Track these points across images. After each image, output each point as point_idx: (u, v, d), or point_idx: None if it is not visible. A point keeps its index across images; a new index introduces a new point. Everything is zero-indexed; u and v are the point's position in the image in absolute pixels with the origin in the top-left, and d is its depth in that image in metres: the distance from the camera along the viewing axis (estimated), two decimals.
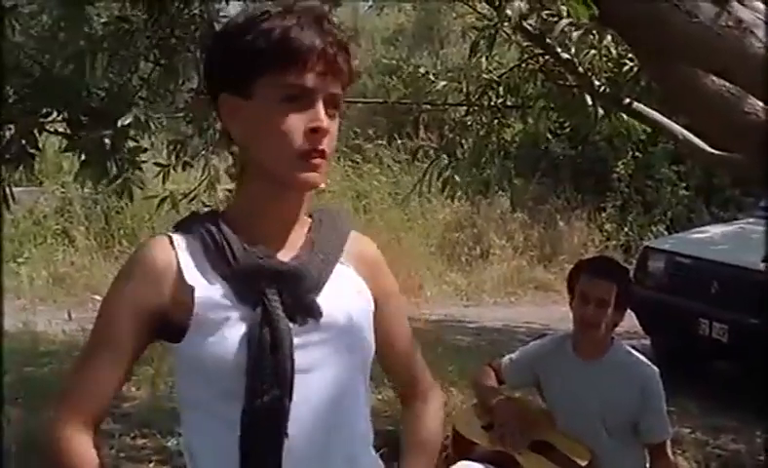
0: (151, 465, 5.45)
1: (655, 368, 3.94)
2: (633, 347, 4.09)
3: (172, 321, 1.80)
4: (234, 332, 1.76)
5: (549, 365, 4.02)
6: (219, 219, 1.86)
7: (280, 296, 1.79)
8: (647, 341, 8.15)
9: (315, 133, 1.77)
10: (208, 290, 1.79)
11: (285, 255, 1.85)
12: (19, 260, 11.61)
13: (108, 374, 1.83)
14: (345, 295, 1.90)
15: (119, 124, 4.37)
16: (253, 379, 1.75)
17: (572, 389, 3.91)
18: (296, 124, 1.77)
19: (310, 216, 1.96)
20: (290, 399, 1.77)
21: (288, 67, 1.76)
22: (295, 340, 1.79)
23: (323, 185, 1.84)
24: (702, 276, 7.58)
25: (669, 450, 3.97)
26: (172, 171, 5.18)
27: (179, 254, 1.82)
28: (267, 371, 1.75)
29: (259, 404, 1.75)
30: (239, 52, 1.79)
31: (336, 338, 1.85)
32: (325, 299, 1.84)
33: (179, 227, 1.89)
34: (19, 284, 10.88)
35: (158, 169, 5.17)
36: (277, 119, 1.77)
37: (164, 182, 5.16)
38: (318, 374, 1.82)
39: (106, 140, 4.39)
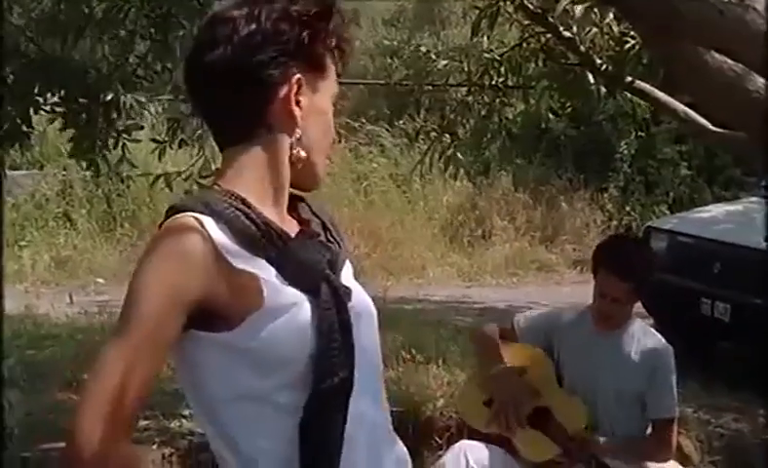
0: (154, 447, 5.45)
1: (669, 345, 3.97)
2: None
3: (216, 310, 1.70)
4: (302, 319, 1.72)
5: (566, 334, 4.04)
6: (243, 199, 1.77)
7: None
8: (650, 321, 8.14)
9: (333, 142, 1.90)
10: (269, 276, 1.72)
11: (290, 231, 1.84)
12: (21, 244, 11.61)
13: (148, 372, 1.67)
14: (348, 272, 1.90)
15: (101, 100, 4.38)
16: (323, 364, 1.71)
17: (588, 359, 3.95)
18: (332, 126, 1.88)
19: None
20: (353, 383, 1.75)
21: (341, 69, 1.85)
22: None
23: None
24: (704, 256, 7.57)
25: (673, 429, 3.98)
26: (172, 152, 5.17)
27: (215, 238, 1.71)
28: (336, 354, 1.72)
29: (328, 386, 1.71)
30: (322, 33, 1.80)
31: (365, 315, 1.86)
32: (345, 278, 1.85)
33: (201, 209, 1.75)
34: (20, 267, 10.88)
35: (154, 146, 5.15)
36: (330, 118, 1.86)
37: (160, 159, 5.15)
38: (360, 351, 1.79)
39: (84, 116, 4.38)
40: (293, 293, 1.72)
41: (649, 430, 3.97)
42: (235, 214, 1.74)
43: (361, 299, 1.86)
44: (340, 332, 1.73)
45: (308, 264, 1.76)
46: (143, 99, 4.65)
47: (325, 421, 1.73)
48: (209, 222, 1.72)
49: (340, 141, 14.25)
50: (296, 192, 1.92)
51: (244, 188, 1.79)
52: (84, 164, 5.05)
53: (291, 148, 1.80)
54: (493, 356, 4.06)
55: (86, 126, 4.39)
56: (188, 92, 1.94)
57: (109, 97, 4.32)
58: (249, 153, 1.81)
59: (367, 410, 1.81)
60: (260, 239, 1.74)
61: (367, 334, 1.85)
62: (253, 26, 1.77)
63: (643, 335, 3.99)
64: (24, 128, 4.40)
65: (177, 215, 1.75)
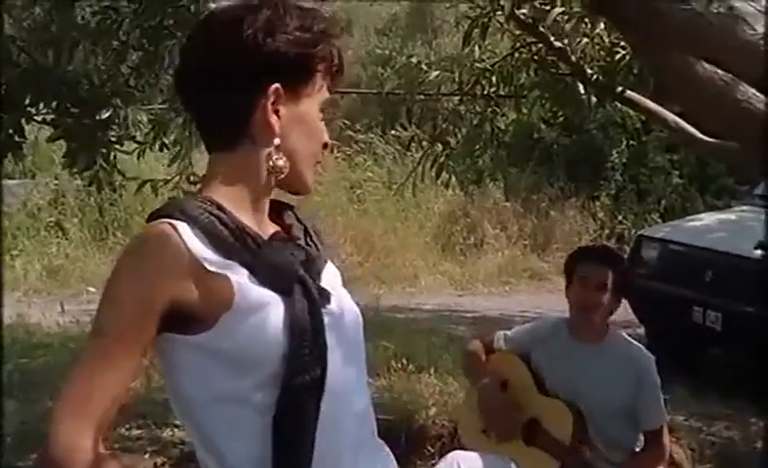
0: (146, 456, 5.46)
1: (651, 355, 3.96)
2: (628, 336, 4.11)
3: (190, 313, 1.73)
4: (274, 320, 1.74)
5: (544, 347, 4.02)
6: (219, 205, 1.80)
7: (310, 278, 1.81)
8: (641, 330, 8.16)
9: (326, 146, 1.90)
10: (241, 278, 1.74)
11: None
12: (14, 253, 11.59)
13: (122, 374, 1.71)
14: (334, 279, 1.92)
15: (97, 118, 4.38)
16: (294, 363, 1.73)
17: (567, 373, 3.92)
18: (322, 136, 1.89)
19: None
20: (325, 382, 1.77)
21: (332, 82, 1.86)
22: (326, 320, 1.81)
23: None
24: (696, 264, 7.59)
25: (665, 437, 3.99)
26: (164, 160, 5.18)
27: (189, 243, 1.74)
28: (307, 353, 1.74)
29: (298, 383, 1.73)
30: (306, 47, 1.82)
31: (345, 319, 1.88)
32: (325, 283, 1.86)
33: (177, 215, 1.77)
34: (13, 276, 10.87)
35: (135, 146, 5.15)
36: (316, 127, 1.87)
37: (138, 160, 5.16)
38: (338, 353, 1.82)
39: (78, 129, 4.39)
40: (265, 294, 1.75)
41: (642, 440, 3.96)
42: (210, 220, 1.77)
43: (343, 304, 1.89)
44: (311, 333, 1.76)
45: (280, 266, 1.78)
46: (143, 116, 4.66)
47: (295, 420, 1.74)
48: (183, 228, 1.75)
49: (333, 150, 14.28)
50: (284, 200, 1.95)
51: (223, 194, 1.83)
52: (76, 174, 5.05)
53: (269, 157, 1.83)
54: (478, 372, 4.10)
55: (80, 138, 4.39)
56: (178, 93, 1.98)
57: (107, 114, 4.32)
58: (230, 161, 1.85)
59: (344, 416, 1.82)
60: (234, 243, 1.76)
61: (347, 339, 1.86)
62: (236, 35, 1.79)
63: (624, 347, 3.96)
64: (17, 138, 4.41)
65: (154, 222, 1.78)
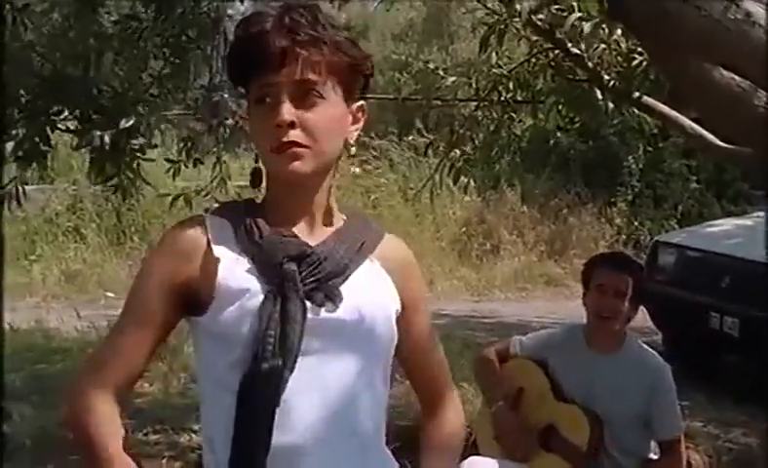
0: (164, 461, 5.47)
1: (666, 364, 3.95)
2: (645, 343, 4.10)
3: (199, 294, 1.87)
4: (251, 303, 1.82)
5: (560, 353, 4.02)
6: (251, 205, 1.96)
7: (300, 274, 1.84)
8: (658, 336, 8.14)
9: (279, 127, 1.85)
10: (232, 263, 1.86)
11: (311, 240, 1.91)
12: (32, 258, 11.66)
13: (135, 346, 1.90)
14: (370, 289, 1.94)
15: (120, 126, 4.40)
16: (258, 348, 1.80)
17: (583, 380, 3.92)
18: (265, 122, 1.87)
19: (347, 215, 2.02)
20: (291, 370, 1.81)
21: (257, 70, 1.86)
22: (312, 319, 1.83)
23: (305, 172, 1.88)
24: (712, 270, 7.57)
25: (681, 447, 3.98)
26: (183, 168, 5.19)
27: (210, 233, 1.90)
28: (271, 341, 1.80)
29: (258, 369, 1.80)
30: (234, 58, 1.93)
31: (356, 327, 1.88)
32: (348, 288, 1.89)
33: (215, 211, 1.98)
34: (31, 281, 10.93)
35: (168, 165, 5.19)
36: (254, 120, 1.91)
37: (174, 179, 5.18)
38: (330, 358, 1.86)
39: (106, 140, 4.41)
40: (250, 280, 1.84)
41: (657, 450, 3.95)
42: (233, 214, 1.94)
43: (358, 313, 1.89)
44: (279, 322, 1.81)
45: (270, 256, 1.85)
46: (172, 131, 4.68)
47: (254, 403, 1.81)
48: (212, 220, 1.93)
49: (349, 156, 14.28)
50: (351, 209, 2.08)
51: (265, 199, 1.97)
52: (99, 183, 5.07)
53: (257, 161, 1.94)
54: (492, 388, 4.13)
55: (104, 147, 4.42)
56: None
57: (131, 123, 4.34)
58: None
59: (316, 420, 1.84)
60: (243, 235, 1.88)
61: (347, 346, 1.88)
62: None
63: (640, 355, 3.96)
64: (42, 147, 4.44)
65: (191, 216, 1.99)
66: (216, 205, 2.01)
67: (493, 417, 4.08)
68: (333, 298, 1.86)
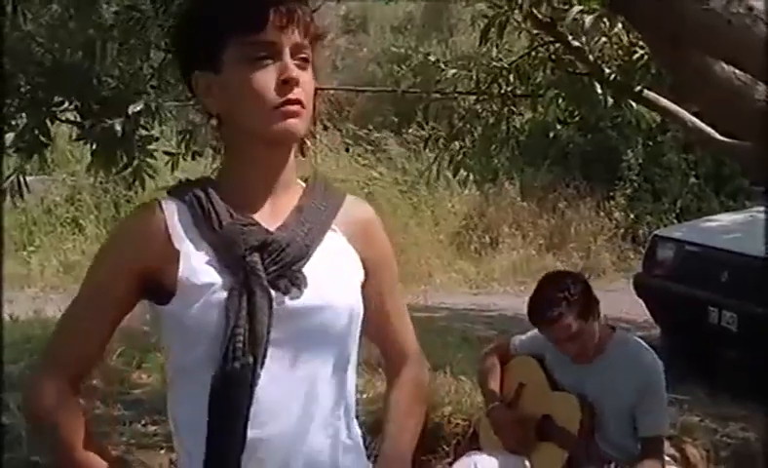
0: (162, 452, 5.47)
1: (659, 361, 3.92)
2: (643, 337, 4.09)
3: (160, 283, 1.84)
4: (215, 298, 1.80)
5: (553, 352, 4.05)
6: (209, 186, 1.90)
7: (263, 264, 1.82)
8: (656, 331, 8.15)
9: (286, 83, 1.83)
10: (193, 255, 1.83)
11: (272, 222, 1.88)
12: (30, 249, 11.65)
13: (93, 334, 1.91)
14: (334, 265, 1.92)
15: (129, 112, 4.38)
16: (228, 344, 1.79)
17: (573, 378, 3.96)
18: (267, 79, 1.83)
19: (306, 181, 1.99)
20: (262, 365, 1.80)
21: (249, 28, 1.82)
22: (277, 308, 1.82)
23: (301, 132, 1.87)
24: (711, 265, 7.57)
25: (662, 449, 3.95)
26: (182, 160, 5.18)
27: (168, 219, 1.87)
28: (240, 339, 1.79)
29: (230, 368, 1.78)
30: (204, 27, 1.86)
31: (322, 309, 1.87)
32: (312, 269, 1.87)
33: (171, 193, 1.94)
34: (29, 272, 10.92)
35: (167, 158, 5.17)
36: (248, 80, 1.83)
37: (173, 171, 5.17)
38: (297, 344, 1.85)
39: (117, 128, 4.40)
40: (211, 274, 1.82)
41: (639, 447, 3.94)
42: (190, 198, 1.89)
43: (324, 294, 1.88)
44: (247, 319, 1.80)
45: (232, 248, 1.82)
46: (170, 104, 4.66)
47: (226, 402, 1.80)
48: (169, 205, 1.90)
49: (347, 150, 14.27)
50: (312, 177, 2.01)
51: (221, 177, 1.95)
52: (102, 174, 5.06)
53: (232, 132, 1.90)
54: (491, 393, 4.18)
55: (106, 139, 4.41)
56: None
57: (139, 108, 4.33)
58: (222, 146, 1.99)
59: (291, 407, 1.84)
60: (203, 222, 1.85)
61: (316, 330, 1.87)
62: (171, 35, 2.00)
63: (631, 351, 3.94)
64: (42, 138, 4.43)
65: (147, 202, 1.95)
66: (174, 188, 1.95)
67: (489, 417, 4.18)
68: (298, 284, 1.84)
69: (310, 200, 1.94)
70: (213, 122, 1.91)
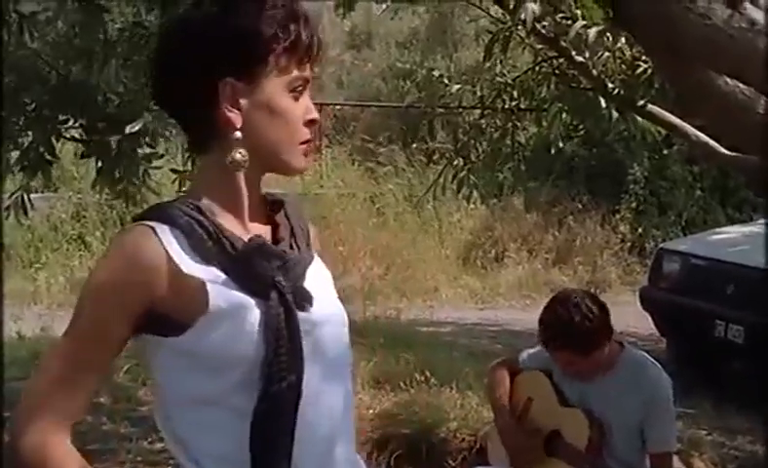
0: None
1: (666, 377, 3.92)
2: (649, 351, 4.08)
3: (167, 316, 1.75)
4: (249, 321, 1.75)
5: (558, 372, 4.04)
6: (197, 207, 1.82)
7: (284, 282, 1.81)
8: (663, 344, 8.15)
9: (312, 123, 1.86)
10: (217, 282, 1.76)
11: (268, 239, 1.87)
12: (37, 266, 11.68)
13: (90, 373, 1.78)
14: (322, 281, 1.93)
15: (127, 131, 4.39)
16: (271, 368, 1.75)
17: (579, 399, 3.95)
18: (299, 115, 1.83)
19: (270, 195, 1.97)
20: (302, 382, 1.78)
21: (298, 59, 1.81)
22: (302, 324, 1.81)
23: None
24: (717, 277, 7.57)
25: (669, 465, 3.94)
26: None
27: (167, 247, 1.76)
28: (284, 359, 1.75)
29: (276, 389, 1.74)
30: (251, 35, 1.78)
31: (329, 322, 1.88)
32: (309, 285, 1.86)
33: (156, 217, 1.81)
34: (36, 289, 10.93)
35: (174, 175, 5.18)
36: (286, 110, 1.82)
37: (180, 188, 5.18)
38: (317, 359, 1.83)
39: (113, 146, 4.41)
40: (241, 298, 1.76)
41: (648, 463, 3.94)
42: (187, 222, 1.78)
43: (325, 307, 1.88)
44: (288, 338, 1.77)
45: (256, 270, 1.78)
46: (171, 131, 4.67)
47: (274, 426, 1.76)
48: (162, 229, 1.77)
49: (354, 163, 14.30)
50: (277, 194, 1.96)
51: (205, 196, 1.84)
52: (106, 191, 5.06)
53: (232, 151, 1.81)
54: (499, 405, 4.15)
55: (110, 155, 4.42)
56: (158, 105, 2.01)
57: (138, 127, 4.33)
58: (207, 162, 1.88)
59: (321, 421, 1.83)
60: (211, 246, 1.78)
61: (326, 343, 1.86)
62: (183, 35, 1.83)
63: (639, 368, 3.90)
64: (48, 156, 4.43)
65: (133, 224, 1.82)
66: (157, 211, 1.83)
67: (498, 431, 4.15)
68: (310, 300, 1.84)
69: (294, 218, 1.94)
70: (238, 135, 1.80)
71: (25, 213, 4.60)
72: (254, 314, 1.76)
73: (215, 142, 1.83)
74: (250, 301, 1.77)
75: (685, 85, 3.23)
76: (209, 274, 1.77)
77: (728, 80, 3.06)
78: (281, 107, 1.81)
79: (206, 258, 1.78)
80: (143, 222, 1.79)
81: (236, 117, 1.80)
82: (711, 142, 4.42)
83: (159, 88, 1.88)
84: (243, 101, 1.80)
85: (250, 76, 1.79)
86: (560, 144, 10.81)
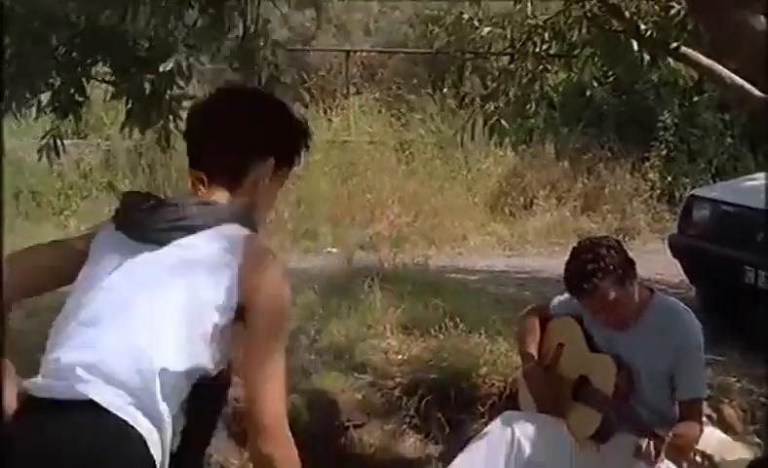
0: None
1: (697, 323, 3.90)
2: (679, 298, 4.06)
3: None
4: None
5: (590, 317, 4.03)
6: None
7: None
8: (692, 291, 8.11)
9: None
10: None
11: None
12: (67, 213, 11.73)
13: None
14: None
15: (160, 70, 4.39)
16: None
17: (608, 345, 3.95)
18: (276, 200, 2.55)
19: None
20: None
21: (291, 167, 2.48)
22: None
23: None
24: (747, 224, 7.50)
25: (700, 412, 3.94)
26: None
27: None
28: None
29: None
30: (295, 136, 2.46)
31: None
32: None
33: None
34: (67, 236, 10.97)
35: None
36: (279, 184, 2.46)
37: None
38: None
39: (146, 86, 4.41)
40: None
41: (677, 409, 3.92)
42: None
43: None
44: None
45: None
46: (203, 62, 4.68)
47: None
48: None
49: (381, 111, 14.23)
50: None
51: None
52: (139, 132, 5.06)
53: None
54: (527, 353, 4.19)
55: (140, 98, 4.42)
56: (196, 142, 2.49)
57: (170, 66, 4.34)
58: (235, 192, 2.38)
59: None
60: None
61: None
62: (266, 115, 2.45)
63: (670, 314, 3.91)
64: (78, 98, 4.46)
65: (269, 250, 2.39)
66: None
67: (525, 378, 4.19)
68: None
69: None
70: (266, 180, 2.39)
71: (58, 155, 4.63)
72: None
73: (238, 191, 2.36)
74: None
75: (720, 26, 3.19)
76: None
77: (763, 20, 3.02)
78: (275, 194, 2.47)
79: None
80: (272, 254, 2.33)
81: (260, 182, 2.39)
82: (747, 85, 4.38)
83: (231, 135, 2.37)
84: (267, 179, 2.41)
85: (281, 166, 2.42)
86: (591, 89, 10.73)
